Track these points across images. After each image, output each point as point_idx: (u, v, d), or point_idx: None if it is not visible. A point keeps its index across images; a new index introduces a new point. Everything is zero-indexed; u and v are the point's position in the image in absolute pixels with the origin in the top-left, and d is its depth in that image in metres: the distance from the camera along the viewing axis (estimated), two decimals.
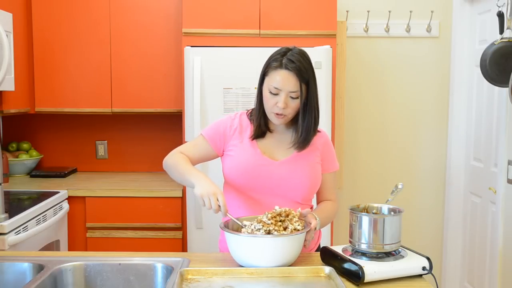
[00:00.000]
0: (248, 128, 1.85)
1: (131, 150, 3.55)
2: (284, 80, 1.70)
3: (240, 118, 1.88)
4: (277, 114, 1.74)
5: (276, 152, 1.82)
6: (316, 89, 1.78)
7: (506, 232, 2.72)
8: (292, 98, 1.72)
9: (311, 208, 1.90)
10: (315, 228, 1.71)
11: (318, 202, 1.95)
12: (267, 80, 1.75)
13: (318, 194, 1.93)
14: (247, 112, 1.89)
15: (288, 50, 1.75)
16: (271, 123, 1.83)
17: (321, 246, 1.76)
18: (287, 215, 1.63)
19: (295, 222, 1.61)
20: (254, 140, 1.83)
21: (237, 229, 1.65)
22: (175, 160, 1.82)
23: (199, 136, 1.89)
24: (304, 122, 1.77)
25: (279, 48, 1.78)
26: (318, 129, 1.86)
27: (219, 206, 1.62)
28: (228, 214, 1.64)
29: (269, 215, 1.61)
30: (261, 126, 1.82)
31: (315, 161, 1.84)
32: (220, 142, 1.85)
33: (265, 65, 1.77)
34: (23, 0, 3.06)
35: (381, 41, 3.51)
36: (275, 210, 1.63)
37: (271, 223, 1.58)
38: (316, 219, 1.73)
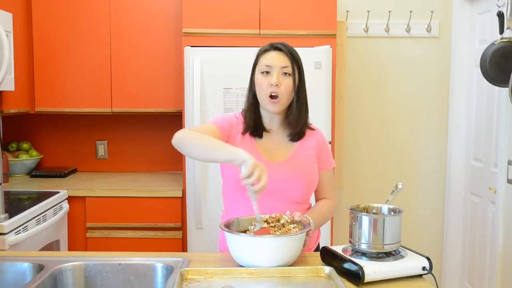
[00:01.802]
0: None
1: (131, 150, 3.55)
2: (275, 57, 1.76)
3: (240, 118, 1.89)
4: (271, 97, 1.74)
5: (275, 153, 1.83)
6: (305, 83, 1.81)
7: (506, 232, 2.72)
8: (285, 74, 1.75)
9: (309, 207, 1.90)
10: (310, 229, 1.72)
11: (316, 201, 1.95)
12: (258, 66, 1.80)
13: (315, 192, 1.94)
14: (241, 112, 1.90)
15: (273, 43, 1.82)
16: (266, 121, 1.83)
17: (321, 246, 1.76)
18: (278, 220, 1.63)
19: (293, 228, 1.61)
20: (254, 141, 1.83)
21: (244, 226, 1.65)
22: (198, 134, 1.70)
23: (207, 123, 1.84)
24: (297, 110, 1.79)
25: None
26: (313, 127, 1.90)
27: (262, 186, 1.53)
28: (256, 202, 1.58)
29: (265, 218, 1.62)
30: (247, 118, 1.83)
31: (311, 161, 1.86)
32: (229, 131, 1.84)
33: (254, 60, 1.83)
34: (23, 0, 3.06)
35: (381, 41, 3.51)
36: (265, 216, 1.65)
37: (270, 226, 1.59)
38: (310, 222, 1.74)
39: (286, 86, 1.75)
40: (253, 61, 1.84)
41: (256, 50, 2.76)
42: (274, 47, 1.77)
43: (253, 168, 1.51)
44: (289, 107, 1.81)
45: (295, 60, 1.77)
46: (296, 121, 1.81)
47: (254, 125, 1.83)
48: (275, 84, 1.73)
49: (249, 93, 1.84)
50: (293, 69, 1.75)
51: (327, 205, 1.91)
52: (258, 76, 1.78)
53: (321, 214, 1.85)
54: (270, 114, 1.82)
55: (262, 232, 1.60)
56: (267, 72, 1.75)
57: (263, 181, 1.52)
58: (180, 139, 1.70)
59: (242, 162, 1.54)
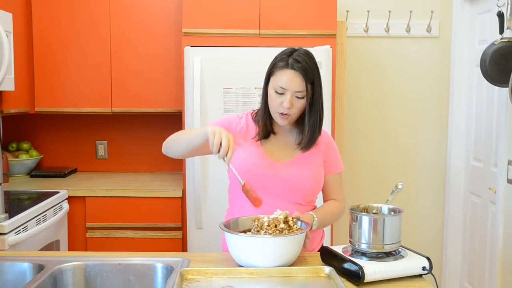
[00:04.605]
0: (253, 129, 1.85)
1: (131, 150, 3.55)
2: (290, 80, 1.70)
3: (247, 118, 1.88)
4: (282, 114, 1.74)
5: (280, 154, 1.83)
6: (321, 89, 1.78)
7: (506, 232, 2.72)
8: (298, 98, 1.72)
9: (313, 209, 1.89)
10: (311, 228, 1.72)
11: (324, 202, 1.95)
12: (272, 80, 1.75)
13: (324, 195, 1.93)
14: (252, 113, 1.89)
15: (294, 50, 1.75)
16: (275, 124, 1.83)
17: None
18: (286, 221, 1.63)
19: (296, 230, 1.61)
20: (259, 141, 1.83)
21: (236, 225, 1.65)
22: (178, 133, 1.83)
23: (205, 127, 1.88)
24: (310, 122, 1.77)
25: (284, 48, 1.79)
26: (322, 130, 1.87)
27: (228, 150, 1.59)
28: (230, 165, 1.64)
29: (269, 221, 1.62)
30: (267, 126, 1.82)
31: (318, 163, 1.84)
32: None
33: (270, 65, 1.78)
34: (23, 0, 3.06)
35: (381, 41, 3.51)
36: (275, 215, 1.64)
37: (266, 231, 1.60)
38: (314, 219, 1.74)
39: (297, 107, 1.74)
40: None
41: (256, 51, 2.79)
42: (291, 65, 1.71)
43: (212, 138, 1.60)
44: (302, 121, 1.80)
45: (309, 79, 1.72)
46: (309, 135, 1.79)
47: (266, 130, 1.82)
48: (287, 107, 1.71)
49: (262, 99, 1.82)
50: (307, 90, 1.72)
51: (334, 206, 1.90)
52: (271, 92, 1.75)
53: (326, 213, 1.84)
54: None
55: (245, 187, 1.67)
56: (281, 93, 1.72)
57: (224, 145, 1.59)
58: (164, 145, 1.84)
59: (208, 136, 1.63)
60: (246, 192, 1.67)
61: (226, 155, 1.60)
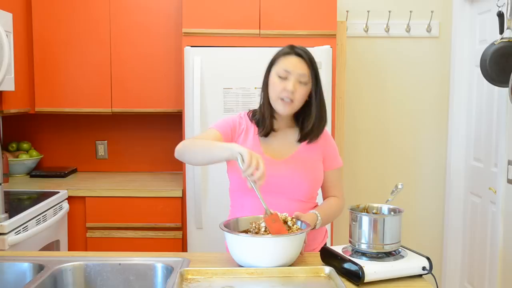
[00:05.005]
0: (251, 128, 1.85)
1: (131, 150, 3.55)
2: (294, 64, 1.74)
3: (245, 118, 1.89)
4: (284, 100, 1.74)
5: (278, 152, 1.83)
6: (322, 90, 1.80)
7: (506, 232, 2.72)
8: (301, 83, 1.74)
9: (315, 206, 1.89)
10: (314, 227, 1.72)
11: (324, 199, 1.95)
12: (275, 67, 1.77)
13: (323, 191, 1.94)
14: (248, 113, 1.90)
15: (294, 46, 1.79)
16: (275, 122, 1.83)
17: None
18: (285, 223, 1.63)
19: (296, 230, 1.62)
20: (258, 140, 1.83)
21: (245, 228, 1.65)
22: (195, 142, 1.77)
23: (210, 130, 1.87)
24: (317, 108, 1.78)
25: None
26: None
27: (262, 176, 1.55)
28: (257, 190, 1.58)
29: (266, 227, 1.62)
30: (270, 120, 1.82)
31: (316, 159, 1.85)
32: (231, 135, 1.85)
33: (272, 58, 1.80)
34: (23, 0, 3.06)
35: (381, 41, 3.51)
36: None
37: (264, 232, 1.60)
38: (318, 218, 1.74)
39: (300, 93, 1.75)
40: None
41: (256, 51, 2.78)
42: (295, 52, 1.75)
43: (249, 158, 1.54)
44: (305, 113, 1.80)
45: (314, 69, 1.75)
46: (315, 127, 1.80)
47: (269, 125, 1.82)
48: (290, 91, 1.72)
49: (263, 93, 1.82)
50: (311, 78, 1.74)
51: (334, 203, 1.92)
52: (273, 78, 1.76)
53: (328, 211, 1.85)
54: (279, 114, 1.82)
55: (271, 217, 1.60)
56: (284, 78, 1.74)
57: (261, 169, 1.54)
58: (179, 150, 1.77)
59: (238, 155, 1.57)
60: (270, 223, 1.60)
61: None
